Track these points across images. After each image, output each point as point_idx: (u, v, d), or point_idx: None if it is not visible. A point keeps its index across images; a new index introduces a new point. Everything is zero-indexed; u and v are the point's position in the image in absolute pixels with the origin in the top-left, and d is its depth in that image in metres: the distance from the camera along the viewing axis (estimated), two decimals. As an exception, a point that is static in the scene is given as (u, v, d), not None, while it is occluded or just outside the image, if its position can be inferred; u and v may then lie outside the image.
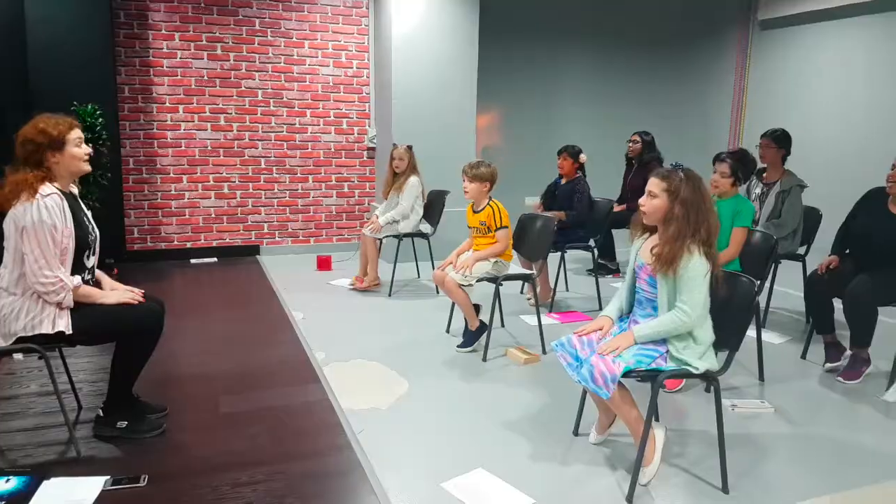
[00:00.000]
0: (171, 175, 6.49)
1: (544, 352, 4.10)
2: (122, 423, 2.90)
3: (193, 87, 6.40)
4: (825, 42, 6.68)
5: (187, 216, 6.62)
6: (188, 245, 6.65)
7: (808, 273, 4.04)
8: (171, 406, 3.17)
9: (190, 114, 6.44)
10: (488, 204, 4.13)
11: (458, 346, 4.15)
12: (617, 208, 5.71)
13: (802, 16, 6.87)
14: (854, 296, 3.59)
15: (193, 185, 6.57)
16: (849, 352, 3.83)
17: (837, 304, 3.78)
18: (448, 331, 4.48)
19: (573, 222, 5.15)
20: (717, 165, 4.12)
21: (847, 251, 3.98)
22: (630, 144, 6.07)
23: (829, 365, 3.89)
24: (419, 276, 6.02)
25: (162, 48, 6.23)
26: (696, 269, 2.47)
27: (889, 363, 3.69)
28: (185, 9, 6.25)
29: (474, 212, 4.19)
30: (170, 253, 6.57)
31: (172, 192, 6.52)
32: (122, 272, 5.39)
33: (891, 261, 3.63)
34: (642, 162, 5.92)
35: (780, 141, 4.70)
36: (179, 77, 6.35)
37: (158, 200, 6.48)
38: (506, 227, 4.09)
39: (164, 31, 6.22)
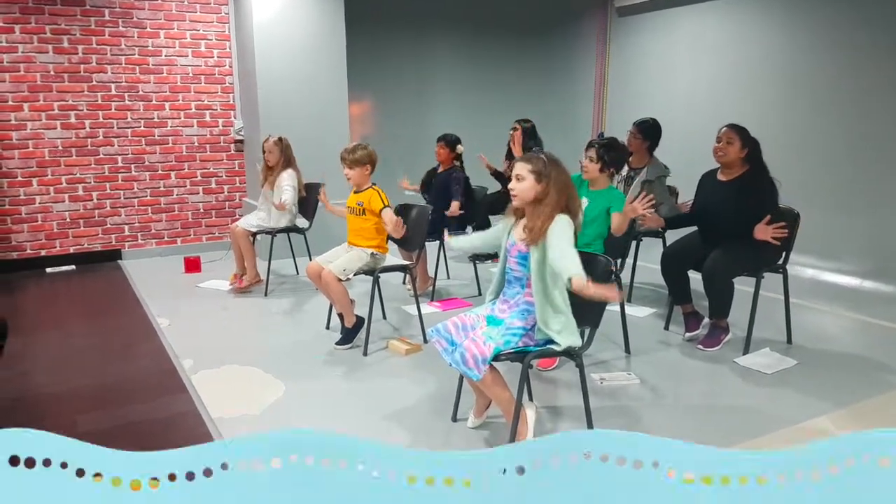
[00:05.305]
0: (19, 179, 5.97)
1: (425, 341, 4.10)
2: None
3: (39, 83, 5.90)
4: (679, 27, 7.02)
5: (40, 222, 6.12)
6: (42, 253, 6.16)
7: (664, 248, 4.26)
8: (22, 431, 2.92)
9: (36, 112, 5.94)
10: (370, 187, 4.11)
11: (336, 344, 4.07)
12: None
13: (657, 2, 7.18)
14: (710, 273, 3.79)
15: (45, 188, 6.08)
16: (707, 320, 4.08)
17: (694, 274, 4.01)
18: (328, 327, 4.39)
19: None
20: (587, 151, 4.20)
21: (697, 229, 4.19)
22: (511, 132, 6.12)
23: (688, 334, 4.12)
24: (298, 273, 5.87)
25: (0, 42, 5.70)
26: (558, 225, 2.59)
27: (744, 329, 3.95)
28: (25, -1, 5.75)
29: (355, 193, 4.16)
30: (22, 263, 6.05)
31: (22, 197, 6.01)
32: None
33: (732, 227, 3.80)
34: (524, 150, 5.99)
35: (644, 132, 4.80)
36: (22, 73, 5.83)
37: (6, 206, 5.95)
38: (388, 206, 4.05)
39: (1, 24, 5.68)
